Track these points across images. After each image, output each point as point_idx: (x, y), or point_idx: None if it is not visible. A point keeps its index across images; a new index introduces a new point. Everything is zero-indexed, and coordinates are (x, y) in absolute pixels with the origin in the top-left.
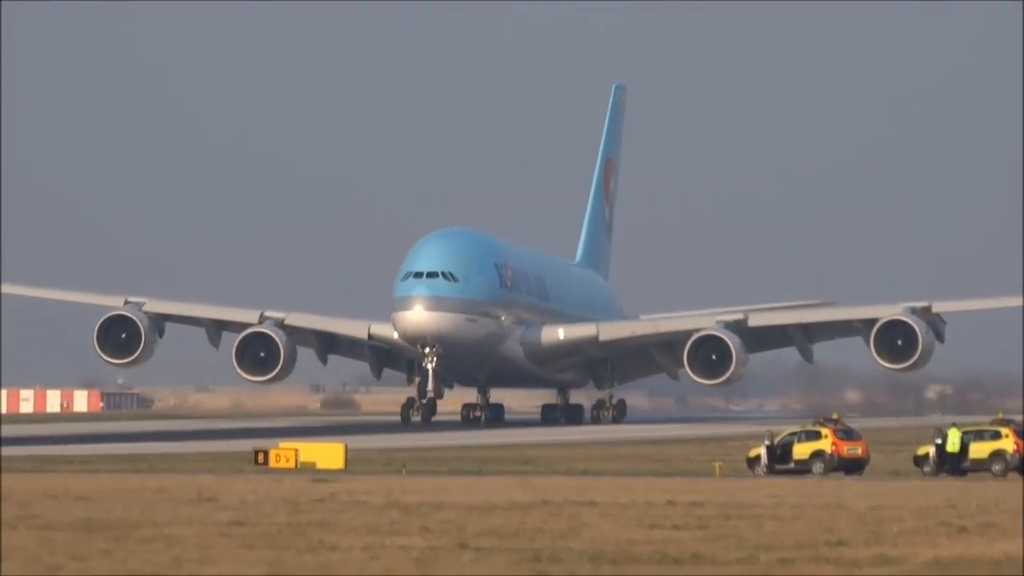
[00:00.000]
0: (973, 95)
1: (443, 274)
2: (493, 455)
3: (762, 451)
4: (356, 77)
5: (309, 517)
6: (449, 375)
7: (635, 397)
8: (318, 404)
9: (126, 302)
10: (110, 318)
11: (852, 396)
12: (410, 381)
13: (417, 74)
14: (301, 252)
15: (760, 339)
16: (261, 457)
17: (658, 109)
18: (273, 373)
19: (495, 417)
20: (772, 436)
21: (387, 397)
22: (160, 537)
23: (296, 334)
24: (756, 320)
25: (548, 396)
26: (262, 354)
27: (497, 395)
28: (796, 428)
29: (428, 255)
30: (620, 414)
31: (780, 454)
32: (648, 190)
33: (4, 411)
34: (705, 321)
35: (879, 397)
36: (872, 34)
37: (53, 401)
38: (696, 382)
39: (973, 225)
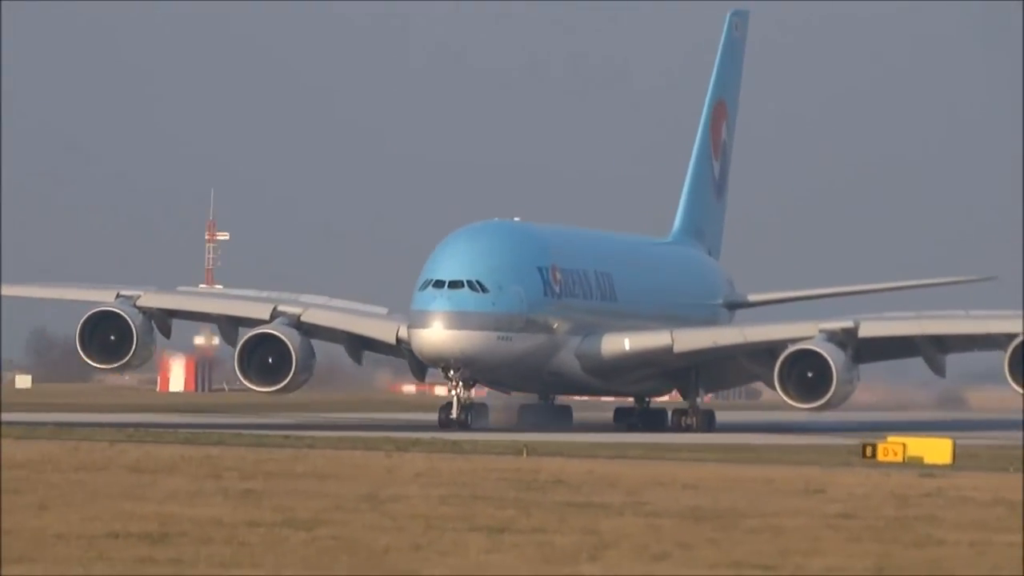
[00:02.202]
0: None
1: (469, 284)
2: None
3: None
4: (387, 9)
5: (916, 512)
6: (498, 387)
7: None
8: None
9: (118, 296)
10: (95, 315)
11: None
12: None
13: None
14: (325, 231)
15: (876, 349)
16: (869, 451)
17: (783, 40)
18: (284, 382)
19: (561, 420)
20: None
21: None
22: (767, 528)
23: (316, 333)
24: (871, 329)
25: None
26: (270, 359)
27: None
28: None
29: (452, 260)
30: (706, 423)
31: None
32: (771, 140)
33: None
34: (805, 328)
35: None
36: None
37: None
38: (788, 404)
39: None
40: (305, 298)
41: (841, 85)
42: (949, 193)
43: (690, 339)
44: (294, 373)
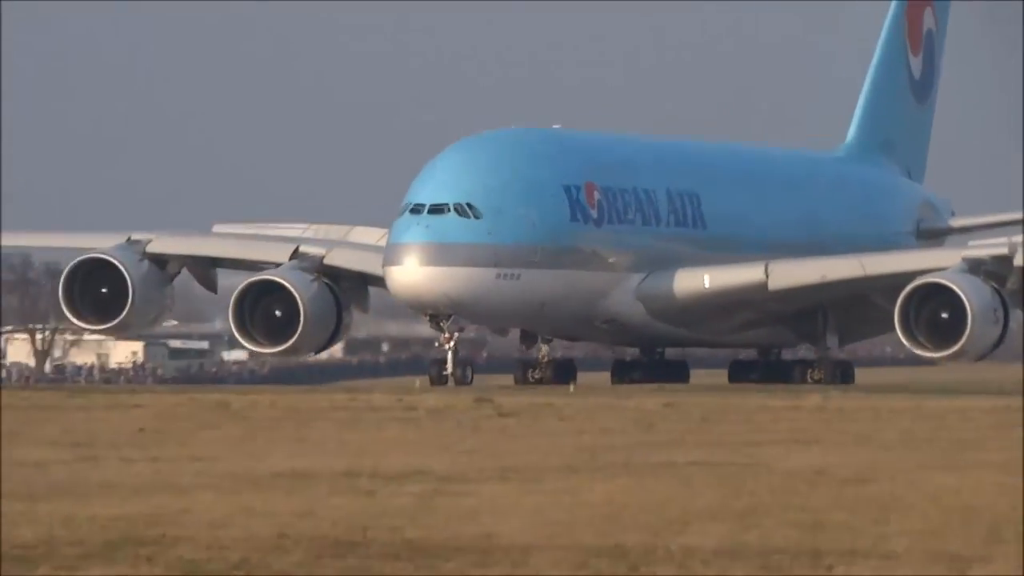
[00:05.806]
0: None
1: (456, 207)
2: None
3: None
4: None
5: None
6: (567, 338)
7: None
8: None
9: (129, 240)
10: (84, 264)
11: None
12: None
13: None
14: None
15: None
16: None
17: None
18: (289, 343)
19: (668, 377)
20: None
21: None
22: None
23: (346, 278)
24: None
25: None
26: (277, 312)
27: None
28: None
29: (437, 178)
30: (839, 376)
31: None
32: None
33: None
34: (944, 256)
35: None
36: None
37: None
38: (912, 352)
39: None
40: (358, 232)
41: None
42: None
43: (789, 273)
44: (302, 330)
